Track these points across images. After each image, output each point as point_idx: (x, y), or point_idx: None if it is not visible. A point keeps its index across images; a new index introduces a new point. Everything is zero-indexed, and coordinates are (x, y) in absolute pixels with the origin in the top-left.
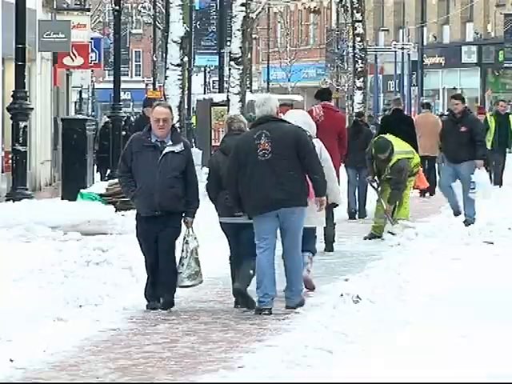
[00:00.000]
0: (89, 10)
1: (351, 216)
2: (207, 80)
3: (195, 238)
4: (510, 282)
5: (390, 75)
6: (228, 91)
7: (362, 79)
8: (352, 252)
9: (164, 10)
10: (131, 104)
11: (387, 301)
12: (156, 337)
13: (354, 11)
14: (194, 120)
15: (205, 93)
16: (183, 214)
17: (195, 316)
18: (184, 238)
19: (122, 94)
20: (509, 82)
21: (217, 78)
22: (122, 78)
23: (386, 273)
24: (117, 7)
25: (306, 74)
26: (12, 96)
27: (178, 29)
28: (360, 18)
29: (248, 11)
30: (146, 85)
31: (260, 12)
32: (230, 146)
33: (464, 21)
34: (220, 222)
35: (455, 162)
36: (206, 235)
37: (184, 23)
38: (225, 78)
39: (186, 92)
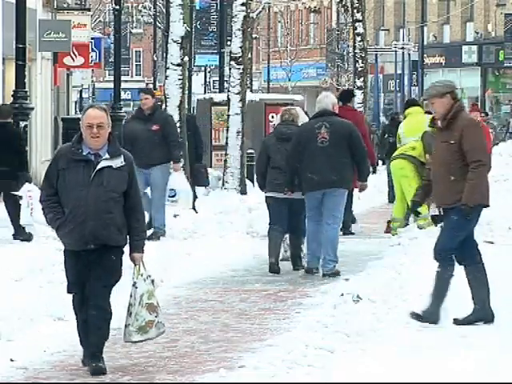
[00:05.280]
0: (89, 9)
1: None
2: (207, 80)
3: (147, 279)
4: (510, 282)
5: (390, 75)
6: (228, 91)
7: (362, 79)
8: (352, 252)
9: (164, 10)
10: (131, 103)
11: (388, 300)
12: None
13: (355, 11)
14: None
15: (205, 92)
16: (123, 249)
17: (195, 316)
18: (132, 279)
19: (122, 93)
20: (509, 82)
21: (217, 78)
22: (123, 78)
23: (386, 272)
24: (117, 7)
25: (306, 73)
26: (12, 96)
27: (178, 28)
28: (360, 18)
29: (248, 11)
30: (147, 84)
31: (260, 12)
32: (281, 132)
33: (464, 20)
34: (266, 196)
35: (146, 167)
36: (206, 234)
37: (184, 23)
38: (225, 78)
39: (187, 92)
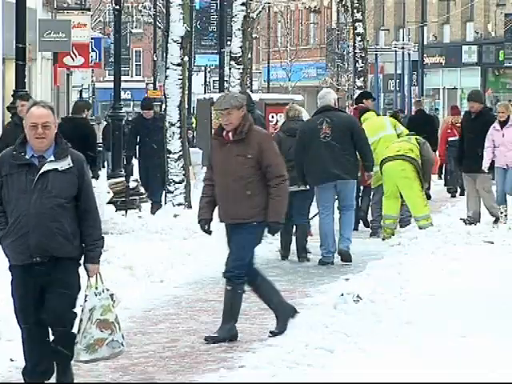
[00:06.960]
0: (89, 9)
1: None
2: (207, 80)
3: (102, 293)
4: (510, 282)
5: (390, 75)
6: (228, 91)
7: (362, 79)
8: (352, 252)
9: (164, 10)
10: (132, 103)
11: (388, 300)
12: (156, 336)
13: (355, 11)
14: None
15: (205, 92)
16: (81, 261)
17: (195, 316)
18: (84, 292)
19: (122, 93)
20: (509, 82)
21: (217, 78)
22: (123, 78)
23: (386, 272)
24: (117, 6)
25: (306, 73)
26: (12, 96)
27: (178, 28)
28: (360, 18)
29: (248, 11)
30: (147, 84)
31: (260, 11)
32: (290, 128)
33: (464, 20)
34: None
35: None
36: (206, 234)
37: (184, 23)
38: (225, 78)
39: (187, 92)
